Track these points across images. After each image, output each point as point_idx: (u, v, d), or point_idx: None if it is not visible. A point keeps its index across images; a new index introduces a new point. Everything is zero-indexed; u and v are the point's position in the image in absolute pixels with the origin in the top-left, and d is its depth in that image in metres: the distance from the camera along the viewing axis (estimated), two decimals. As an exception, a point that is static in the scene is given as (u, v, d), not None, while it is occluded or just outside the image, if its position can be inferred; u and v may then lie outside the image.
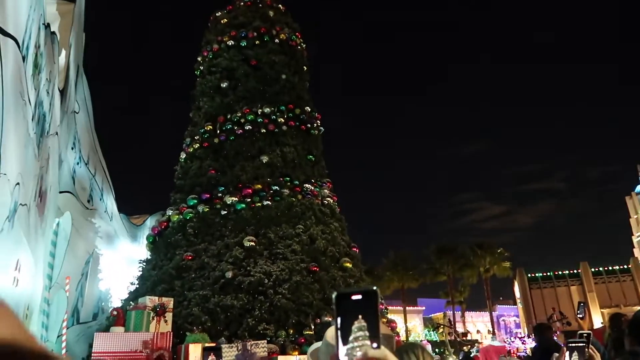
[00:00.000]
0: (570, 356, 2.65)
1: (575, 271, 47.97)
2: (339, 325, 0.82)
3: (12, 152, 5.71)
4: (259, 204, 15.76)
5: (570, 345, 2.67)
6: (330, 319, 12.31)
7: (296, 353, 11.76)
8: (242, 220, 15.32)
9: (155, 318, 11.12)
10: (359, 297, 0.82)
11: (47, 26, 8.73)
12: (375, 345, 0.80)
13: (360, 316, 0.81)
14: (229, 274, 13.57)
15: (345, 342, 0.81)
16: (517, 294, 51.32)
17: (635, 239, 57.92)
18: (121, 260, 17.30)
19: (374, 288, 0.84)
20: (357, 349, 0.80)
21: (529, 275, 49.20)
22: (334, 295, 0.84)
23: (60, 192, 11.46)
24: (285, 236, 14.99)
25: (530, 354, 16.15)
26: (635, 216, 58.15)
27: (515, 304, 55.42)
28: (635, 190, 59.39)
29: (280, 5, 22.21)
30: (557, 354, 2.87)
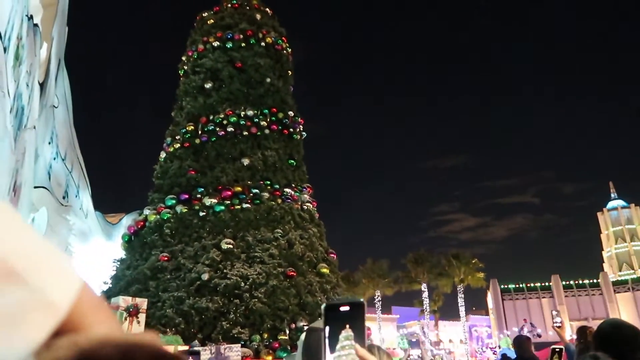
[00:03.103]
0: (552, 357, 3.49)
1: (547, 284, 48.88)
2: (327, 334, 0.84)
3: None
4: (238, 207, 15.69)
5: (553, 348, 3.57)
6: (305, 324, 12.30)
7: (270, 357, 11.72)
8: (221, 223, 15.22)
9: (127, 319, 10.95)
10: (346, 308, 0.86)
11: (30, 17, 8.58)
12: None
13: (347, 326, 0.84)
14: (205, 276, 13.46)
15: (332, 351, 0.84)
16: (490, 304, 52.02)
17: (605, 254, 59.43)
18: (95, 259, 16.99)
19: (361, 300, 0.89)
20: (344, 357, 0.83)
21: (502, 286, 49.94)
22: (323, 307, 0.87)
23: (35, 187, 11.24)
24: (263, 240, 14.95)
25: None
26: (606, 232, 59.70)
27: (487, 314, 56.11)
28: (607, 207, 61.02)
29: (267, 9, 22.24)
30: None
